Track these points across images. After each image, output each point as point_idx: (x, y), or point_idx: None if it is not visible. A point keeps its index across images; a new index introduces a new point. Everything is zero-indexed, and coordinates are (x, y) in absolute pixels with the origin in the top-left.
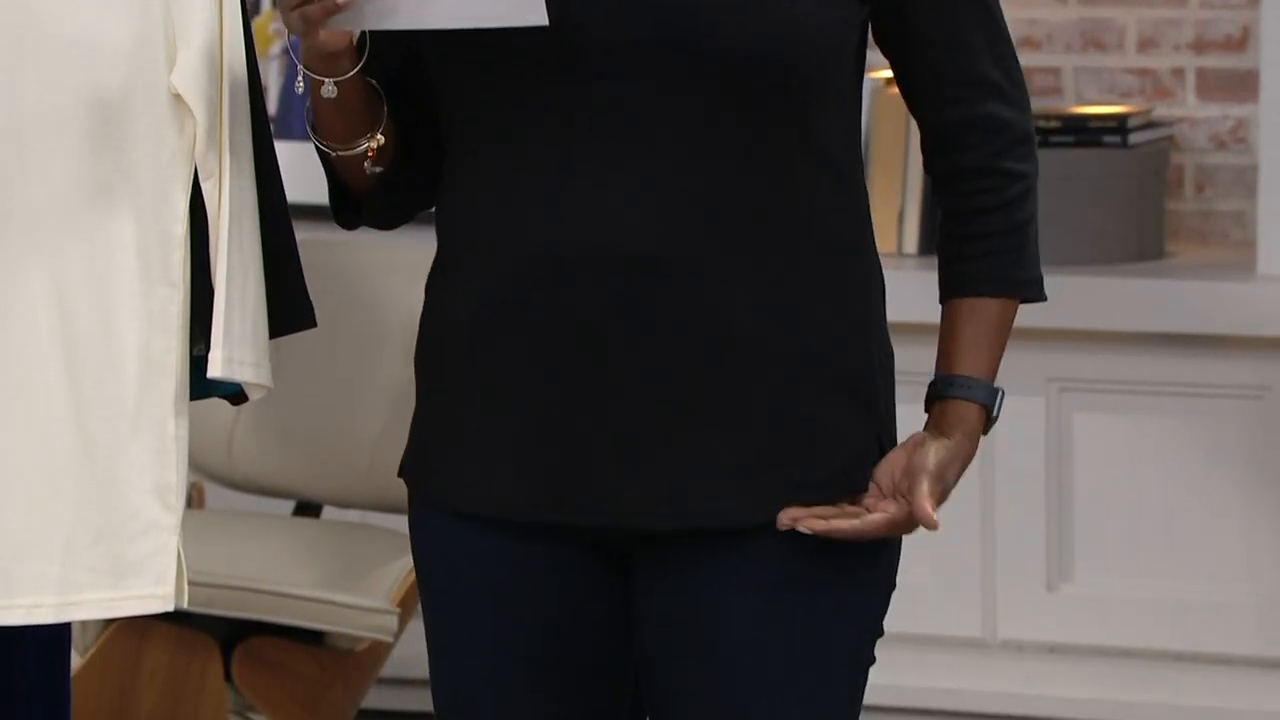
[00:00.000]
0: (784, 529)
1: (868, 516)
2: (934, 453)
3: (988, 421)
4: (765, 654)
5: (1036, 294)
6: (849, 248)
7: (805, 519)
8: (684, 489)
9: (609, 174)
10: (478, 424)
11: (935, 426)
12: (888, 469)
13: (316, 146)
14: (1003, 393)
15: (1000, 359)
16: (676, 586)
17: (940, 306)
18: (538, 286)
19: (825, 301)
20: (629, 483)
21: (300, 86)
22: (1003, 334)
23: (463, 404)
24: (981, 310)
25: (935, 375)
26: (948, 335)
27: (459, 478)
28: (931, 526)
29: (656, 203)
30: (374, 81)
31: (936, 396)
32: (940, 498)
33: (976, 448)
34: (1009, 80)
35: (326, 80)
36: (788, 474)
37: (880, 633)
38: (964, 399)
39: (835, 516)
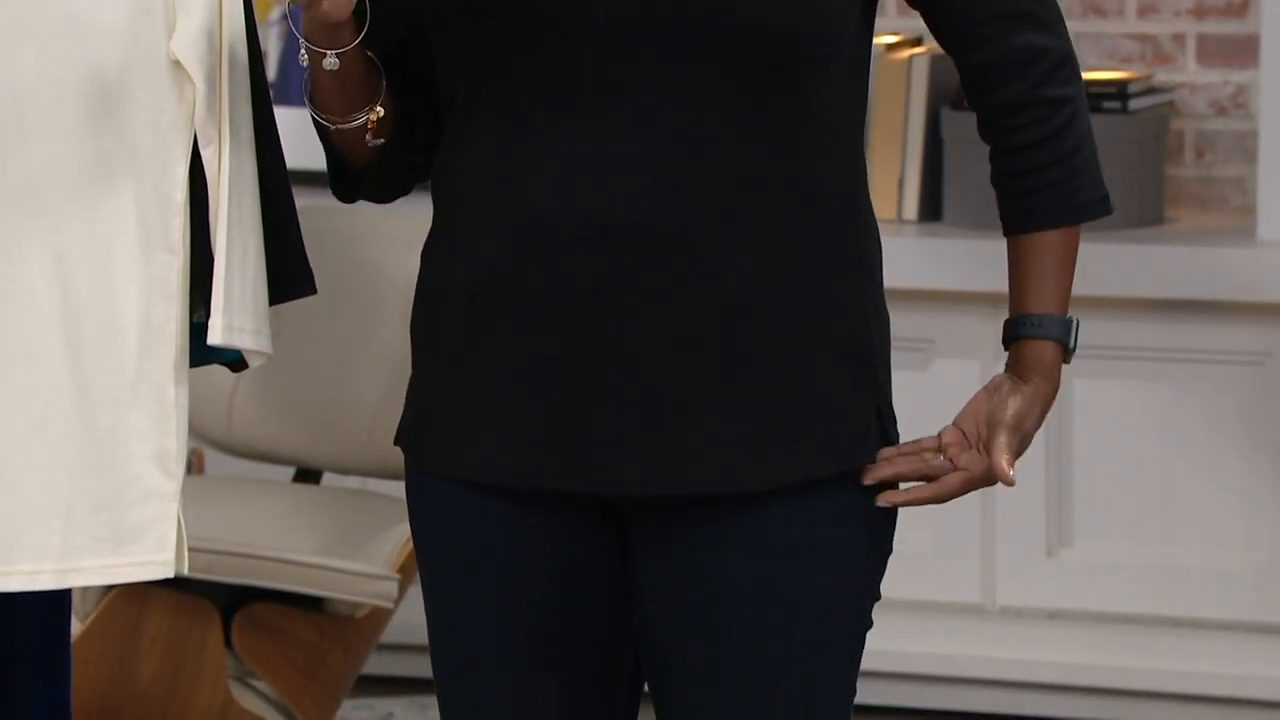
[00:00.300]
0: (868, 483)
1: (944, 480)
2: (1011, 403)
3: (1066, 353)
4: (765, 621)
5: (1099, 213)
6: (848, 217)
7: (886, 494)
8: (685, 456)
9: (610, 144)
10: (477, 392)
11: (1013, 369)
12: (971, 415)
13: (315, 121)
14: (1077, 322)
15: (1070, 287)
16: (676, 554)
17: (1005, 242)
18: (538, 255)
19: (825, 271)
20: (630, 450)
21: (304, 59)
22: (1068, 263)
23: (462, 372)
24: (1044, 244)
25: (1008, 315)
26: (1015, 273)
27: (459, 445)
28: (1008, 483)
29: (657, 173)
30: (372, 55)
31: (1011, 337)
32: (1019, 449)
33: (1057, 385)
34: (1040, 5)
35: (328, 52)
36: (789, 440)
37: (878, 597)
38: (1037, 337)
39: (914, 474)
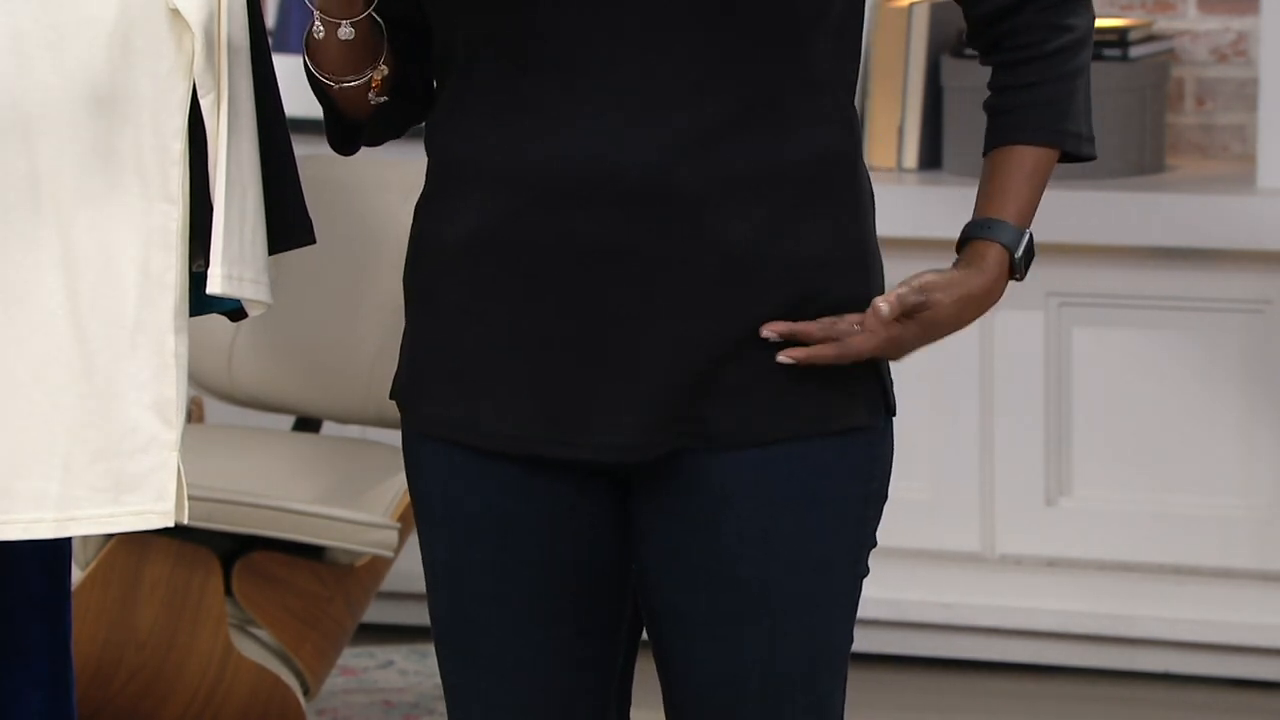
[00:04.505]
0: (766, 336)
1: (848, 340)
2: (929, 274)
3: (1013, 265)
4: (766, 573)
5: (1079, 148)
6: (845, 173)
7: (789, 350)
8: (684, 414)
9: (610, 100)
10: (474, 354)
11: (965, 263)
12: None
13: (317, 81)
14: (1030, 235)
15: (1034, 208)
16: (677, 509)
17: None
18: (536, 215)
19: (823, 230)
20: (629, 413)
21: (319, 31)
22: (1036, 181)
23: (459, 332)
24: (1016, 157)
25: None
26: (982, 183)
27: (456, 409)
28: (879, 315)
29: (655, 132)
30: (375, 15)
31: (962, 240)
32: (915, 311)
33: (993, 287)
34: None
35: (344, 22)
36: (789, 399)
37: (874, 544)
38: (984, 239)
39: (821, 334)
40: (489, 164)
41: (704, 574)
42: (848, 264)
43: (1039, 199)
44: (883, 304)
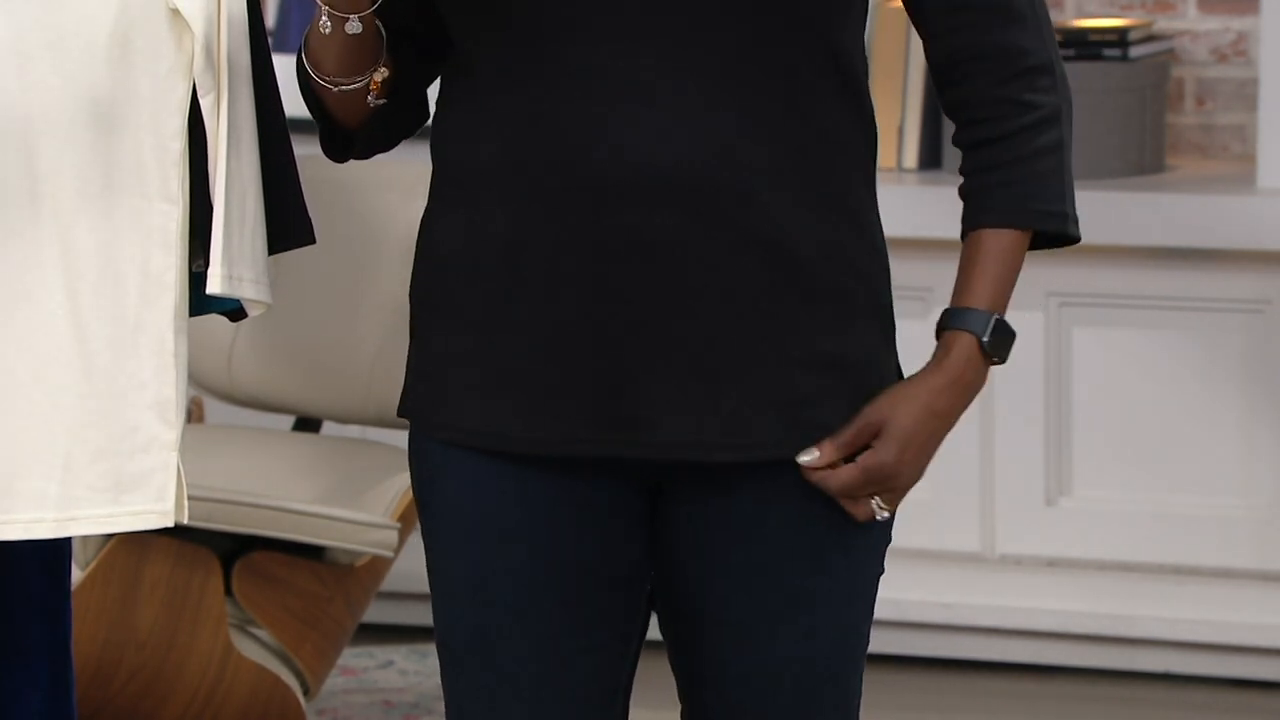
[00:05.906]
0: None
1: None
2: (886, 403)
3: (983, 348)
4: (802, 579)
5: (1054, 225)
6: (867, 174)
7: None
8: (726, 422)
9: (639, 98)
10: (508, 358)
11: (932, 358)
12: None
13: (313, 83)
14: (996, 319)
15: (1008, 291)
16: (712, 515)
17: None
18: (571, 215)
19: (853, 230)
20: (671, 416)
21: (326, 27)
22: (1005, 263)
23: (490, 338)
24: (984, 242)
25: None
26: (959, 269)
27: (490, 415)
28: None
29: (689, 126)
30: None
31: (937, 330)
32: (875, 434)
33: (961, 375)
34: (1028, 6)
35: (351, 16)
36: (827, 408)
37: (890, 540)
38: (952, 329)
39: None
40: (516, 168)
41: (743, 575)
42: (872, 271)
43: (1013, 279)
44: (805, 455)
